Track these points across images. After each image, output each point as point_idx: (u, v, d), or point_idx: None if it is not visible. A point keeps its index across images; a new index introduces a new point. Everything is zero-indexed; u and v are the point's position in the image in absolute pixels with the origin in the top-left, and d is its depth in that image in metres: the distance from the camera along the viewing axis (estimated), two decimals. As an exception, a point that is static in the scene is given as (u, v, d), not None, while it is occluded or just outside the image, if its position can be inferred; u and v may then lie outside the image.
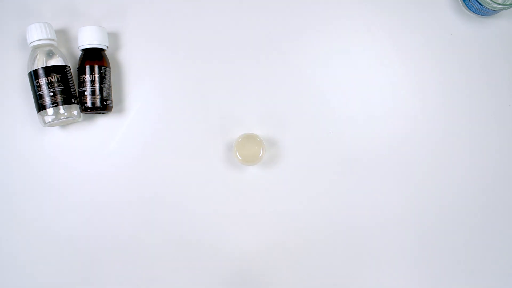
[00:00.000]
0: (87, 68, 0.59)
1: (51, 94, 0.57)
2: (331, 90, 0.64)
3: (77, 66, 0.60)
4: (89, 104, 0.59)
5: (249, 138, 0.59)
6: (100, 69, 0.59)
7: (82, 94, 0.59)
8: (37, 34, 0.58)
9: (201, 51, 0.64)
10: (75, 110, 0.59)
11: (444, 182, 0.64)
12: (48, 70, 0.57)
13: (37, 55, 0.58)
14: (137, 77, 0.63)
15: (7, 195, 0.61)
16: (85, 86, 0.59)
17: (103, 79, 0.60)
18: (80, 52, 0.61)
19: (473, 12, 0.65)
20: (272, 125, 0.63)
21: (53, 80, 0.57)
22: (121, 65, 0.63)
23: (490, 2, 0.61)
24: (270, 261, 0.62)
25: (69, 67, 0.60)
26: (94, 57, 0.59)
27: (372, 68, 0.65)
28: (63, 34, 0.62)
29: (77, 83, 0.60)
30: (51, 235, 0.61)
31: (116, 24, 0.63)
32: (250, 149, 0.59)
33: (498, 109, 0.65)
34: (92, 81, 0.59)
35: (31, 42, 0.58)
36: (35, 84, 0.57)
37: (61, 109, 0.58)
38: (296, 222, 0.63)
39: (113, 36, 0.63)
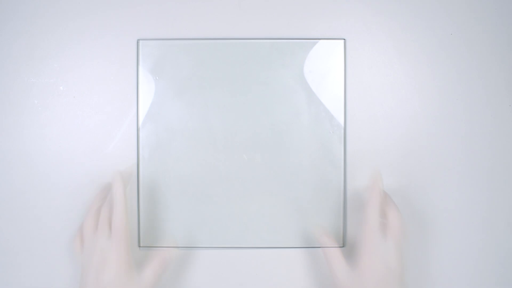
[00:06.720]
0: (87, 68, 0.59)
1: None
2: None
3: (77, 66, 0.60)
4: (89, 104, 0.59)
5: None
6: (100, 69, 0.59)
7: (82, 94, 0.59)
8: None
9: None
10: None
11: (442, 182, 0.64)
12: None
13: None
14: (137, 77, 0.63)
15: (7, 195, 0.61)
16: (85, 86, 0.59)
17: (103, 79, 0.59)
18: (80, 52, 0.61)
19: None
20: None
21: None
22: (121, 65, 0.63)
23: (490, 2, 0.61)
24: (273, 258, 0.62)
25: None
26: (94, 57, 0.59)
27: (372, 68, 0.65)
28: (63, 34, 0.62)
29: (77, 83, 0.60)
30: (51, 235, 0.61)
31: (116, 24, 0.63)
32: None
33: (498, 109, 0.65)
34: (92, 81, 0.59)
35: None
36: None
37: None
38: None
39: (113, 36, 0.63)
